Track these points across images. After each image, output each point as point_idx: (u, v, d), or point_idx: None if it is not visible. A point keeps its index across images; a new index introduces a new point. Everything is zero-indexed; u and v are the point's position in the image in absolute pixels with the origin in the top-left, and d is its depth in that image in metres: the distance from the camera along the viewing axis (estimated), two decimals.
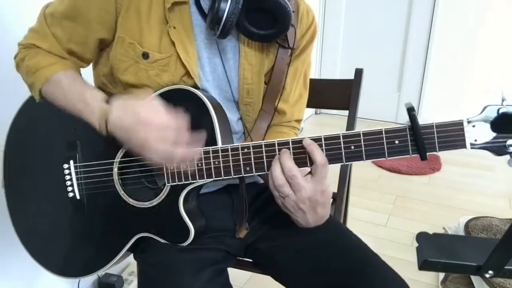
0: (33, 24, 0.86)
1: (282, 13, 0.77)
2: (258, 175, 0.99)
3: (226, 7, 0.73)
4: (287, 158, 0.71)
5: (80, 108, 0.77)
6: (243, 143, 0.75)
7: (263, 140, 0.91)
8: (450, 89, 3.37)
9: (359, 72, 1.23)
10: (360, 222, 2.12)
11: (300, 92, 0.98)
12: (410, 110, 0.64)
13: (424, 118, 3.49)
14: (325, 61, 3.81)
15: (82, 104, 0.77)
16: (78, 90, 0.79)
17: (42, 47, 0.83)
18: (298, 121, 1.02)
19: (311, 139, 0.72)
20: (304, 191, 0.71)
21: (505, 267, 0.47)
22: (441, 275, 1.69)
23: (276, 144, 0.73)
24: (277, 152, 0.73)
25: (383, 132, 0.68)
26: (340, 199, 1.20)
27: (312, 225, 0.77)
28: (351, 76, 1.24)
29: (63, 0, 0.81)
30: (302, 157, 0.72)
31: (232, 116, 0.89)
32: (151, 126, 0.69)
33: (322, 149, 0.71)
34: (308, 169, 0.73)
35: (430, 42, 3.34)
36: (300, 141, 0.72)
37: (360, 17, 3.56)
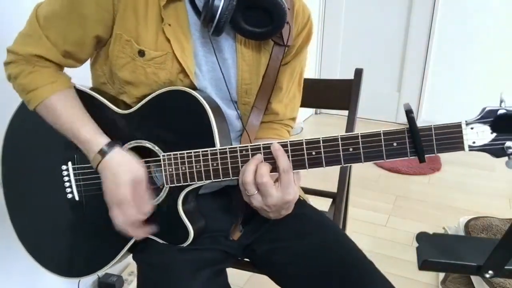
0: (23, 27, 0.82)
1: (278, 11, 0.76)
2: None
3: (220, 3, 0.73)
4: (265, 164, 0.73)
5: (75, 142, 0.80)
6: (241, 145, 0.75)
7: (256, 137, 0.92)
8: (450, 89, 3.37)
9: (359, 72, 1.23)
10: (360, 222, 2.12)
11: (294, 92, 0.98)
12: (408, 113, 0.64)
13: (423, 118, 3.49)
14: (325, 61, 3.81)
15: (77, 141, 0.80)
16: (73, 127, 0.80)
17: (37, 53, 0.80)
18: (292, 119, 1.01)
19: (307, 141, 0.71)
20: (271, 199, 0.73)
21: (505, 267, 0.47)
22: (441, 275, 1.69)
23: (258, 148, 0.74)
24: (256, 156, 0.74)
25: (382, 134, 0.67)
26: (340, 199, 1.20)
27: (273, 219, 0.80)
28: (351, 76, 1.24)
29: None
30: (273, 162, 0.73)
31: (232, 114, 0.89)
32: (128, 208, 0.75)
33: (320, 151, 0.71)
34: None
35: (430, 41, 3.34)
36: (269, 146, 0.73)
37: (360, 17, 3.56)
